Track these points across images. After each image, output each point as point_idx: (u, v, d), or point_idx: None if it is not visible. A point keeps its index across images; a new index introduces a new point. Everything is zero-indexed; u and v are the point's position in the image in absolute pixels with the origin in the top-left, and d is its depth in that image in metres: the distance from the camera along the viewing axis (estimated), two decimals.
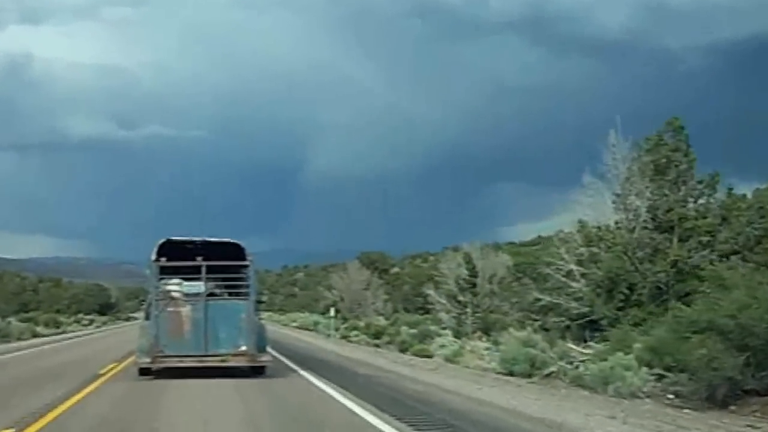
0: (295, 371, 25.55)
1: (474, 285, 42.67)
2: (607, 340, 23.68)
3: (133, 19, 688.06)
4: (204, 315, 22.16)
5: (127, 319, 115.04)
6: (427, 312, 71.31)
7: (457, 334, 41.89)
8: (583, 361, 21.61)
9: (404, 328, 43.59)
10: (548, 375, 21.85)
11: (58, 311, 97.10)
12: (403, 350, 37.77)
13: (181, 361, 21.99)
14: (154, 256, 22.36)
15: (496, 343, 36.01)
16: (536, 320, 33.28)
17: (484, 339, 40.22)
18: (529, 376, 22.25)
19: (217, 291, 23.80)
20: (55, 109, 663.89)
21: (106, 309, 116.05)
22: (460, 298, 43.31)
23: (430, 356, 34.55)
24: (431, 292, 53.77)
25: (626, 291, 28.39)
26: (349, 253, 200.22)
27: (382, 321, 60.32)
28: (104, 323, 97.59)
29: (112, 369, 26.09)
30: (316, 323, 69.45)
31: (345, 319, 67.19)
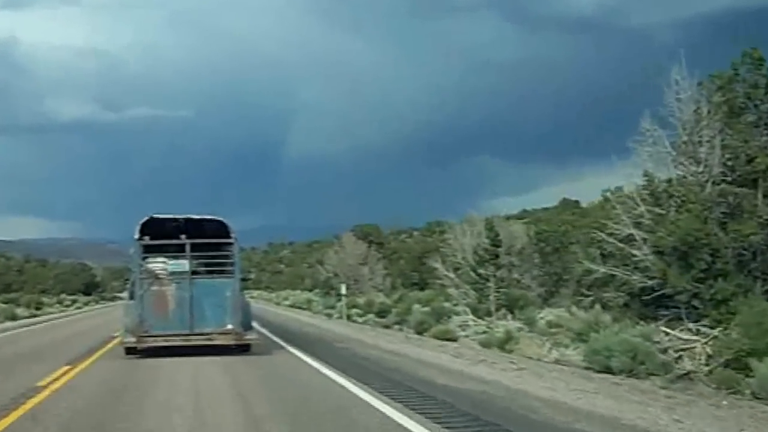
0: (325, 376, 17.87)
1: (496, 256, 36.35)
2: (720, 321, 17.33)
3: (115, 2, 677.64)
4: (189, 293, 21.77)
5: (113, 299, 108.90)
6: (424, 287, 65.70)
7: (476, 312, 35.98)
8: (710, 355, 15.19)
9: (416, 306, 37.57)
10: (683, 376, 15.41)
11: (43, 292, 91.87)
12: (420, 332, 31.75)
13: (167, 340, 21.54)
14: (137, 235, 21.82)
15: (529, 322, 30.15)
16: (587, 296, 27.11)
17: (509, 317, 34.27)
18: (630, 372, 15.99)
19: (202, 269, 22.79)
20: (41, 92, 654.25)
21: (90, 289, 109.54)
22: (481, 270, 36.77)
23: (453, 339, 28.59)
24: (438, 265, 47.82)
25: (707, 258, 22.07)
26: (332, 229, 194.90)
27: (382, 297, 54.36)
28: (86, 303, 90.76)
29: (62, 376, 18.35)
30: (309, 301, 63.27)
31: (340, 297, 61.10)
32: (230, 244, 22.37)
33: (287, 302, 70.61)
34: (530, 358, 20.78)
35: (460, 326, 33.21)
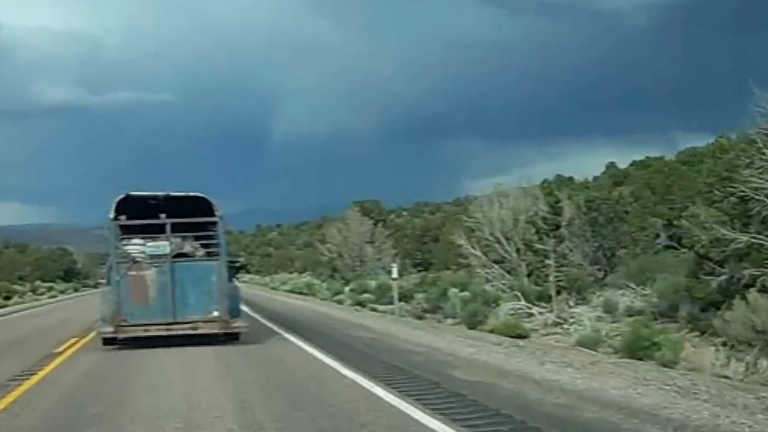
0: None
1: (557, 227, 28.44)
2: None
3: None
4: (171, 278, 19.94)
5: (96, 286, 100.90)
6: (436, 267, 58.15)
7: (526, 297, 28.46)
8: None
9: (453, 291, 30.04)
10: None
11: (20, 278, 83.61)
12: (472, 326, 24.39)
13: (147, 330, 19.75)
14: (112, 214, 19.90)
15: (610, 309, 22.73)
16: (713, 274, 19.63)
17: (572, 302, 26.79)
18: None
19: (185, 251, 20.91)
20: (24, 75, 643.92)
21: (71, 275, 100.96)
22: (537, 245, 29.03)
23: (522, 336, 21.30)
24: (462, 242, 40.31)
25: None
26: (319, 210, 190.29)
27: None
28: (63, 291, 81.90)
29: None
30: (309, 286, 55.39)
31: (346, 280, 53.38)
32: (214, 222, 20.50)
33: (285, 287, 62.28)
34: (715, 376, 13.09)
35: (513, 315, 25.85)
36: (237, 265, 44.14)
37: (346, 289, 45.27)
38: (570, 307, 25.90)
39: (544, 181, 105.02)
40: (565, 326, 23.02)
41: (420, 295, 36.47)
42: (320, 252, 59.75)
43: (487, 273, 38.68)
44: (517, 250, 39.25)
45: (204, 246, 21.06)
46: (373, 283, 44.89)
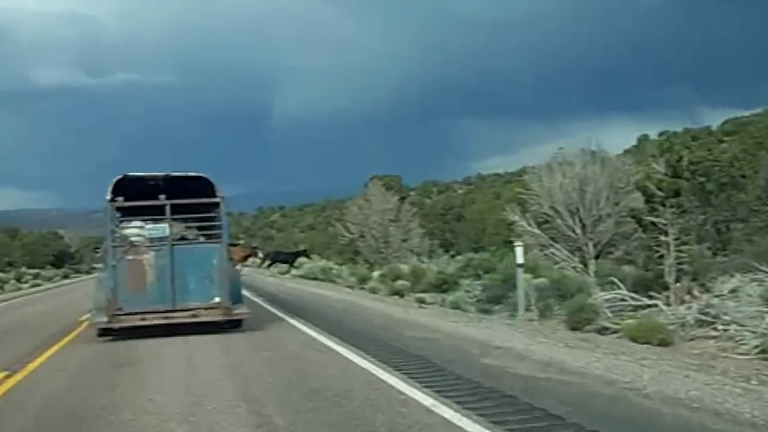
0: None
1: (677, 193, 21.22)
2: None
3: None
4: (170, 262, 18.90)
5: (88, 272, 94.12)
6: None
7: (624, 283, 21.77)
8: None
9: (526, 276, 23.47)
10: None
11: (9, 264, 77.26)
12: (575, 328, 17.86)
13: (144, 319, 18.65)
14: (109, 196, 18.91)
15: None
16: None
17: (698, 292, 20.03)
18: None
19: (185, 234, 20.55)
20: (23, 58, 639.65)
21: (63, 260, 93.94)
22: (654, 218, 21.97)
23: (666, 343, 15.30)
24: (516, 217, 33.92)
25: None
26: (323, 192, 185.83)
27: (430, 265, 40.25)
28: (50, 279, 74.19)
29: None
30: (325, 270, 48.61)
31: (369, 264, 46.76)
32: (216, 204, 19.66)
33: (296, 271, 55.24)
34: None
35: (611, 308, 19.35)
36: (295, 251, 44.79)
37: (375, 274, 38.69)
38: (694, 297, 19.28)
39: (662, 133, 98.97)
40: (720, 327, 16.42)
41: (466, 282, 30.10)
42: (339, 233, 52.77)
43: (546, 254, 32.63)
44: (583, 227, 33.08)
45: (205, 228, 20.37)
46: (405, 268, 38.39)
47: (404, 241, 48.26)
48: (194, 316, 19.01)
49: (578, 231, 33.07)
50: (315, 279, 47.07)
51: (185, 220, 20.47)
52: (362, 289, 36.31)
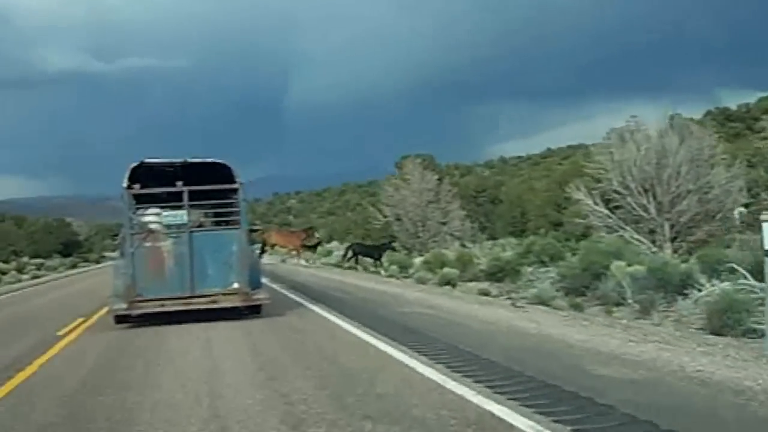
0: None
1: None
2: None
3: None
4: (189, 249, 19.06)
5: (98, 261, 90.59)
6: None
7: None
8: None
9: (618, 264, 20.01)
10: None
11: (15, 254, 74.29)
12: (719, 331, 14.20)
13: (163, 305, 18.78)
14: (125, 183, 18.90)
15: None
16: None
17: None
18: None
19: (204, 220, 20.98)
20: (28, 43, 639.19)
21: (71, 249, 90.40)
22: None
23: None
24: (581, 195, 30.61)
25: None
26: (340, 176, 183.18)
27: (474, 250, 36.89)
28: (55, 269, 69.26)
29: None
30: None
31: (408, 250, 43.31)
32: (235, 190, 19.48)
33: (324, 259, 51.19)
34: None
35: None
36: (381, 243, 41.97)
37: (416, 261, 35.31)
38: None
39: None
40: None
41: (528, 270, 26.77)
42: (371, 216, 49.10)
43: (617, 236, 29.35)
44: (658, 206, 29.69)
45: (224, 214, 20.55)
46: (450, 254, 35.01)
47: (443, 224, 44.75)
48: (213, 302, 19.09)
49: (652, 210, 29.79)
50: (339, 266, 43.49)
51: (203, 207, 20.65)
52: (405, 278, 32.81)
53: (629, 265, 20.41)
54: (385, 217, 46.05)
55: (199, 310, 18.90)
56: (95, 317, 21.39)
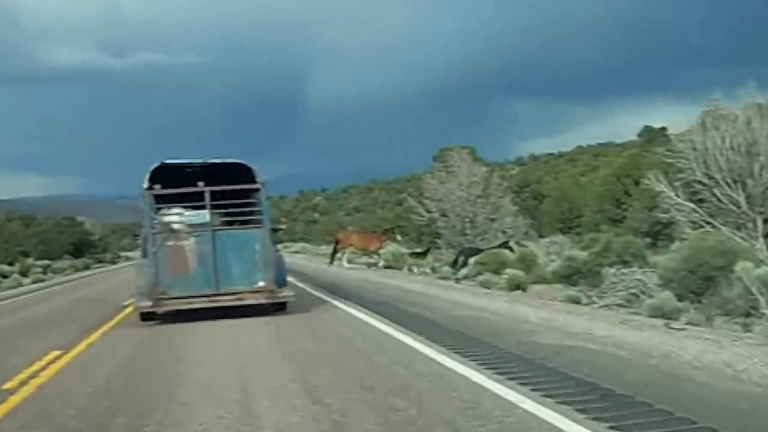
0: None
1: None
2: None
3: None
4: (212, 248, 19.73)
5: (113, 261, 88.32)
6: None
7: None
8: None
9: (745, 265, 17.20)
10: None
11: (24, 254, 71.64)
12: None
13: (190, 303, 19.48)
14: (146, 184, 19.81)
15: None
16: None
17: None
18: None
19: (226, 220, 20.97)
20: (38, 38, 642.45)
21: (83, 249, 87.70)
22: None
23: None
24: (662, 187, 27.95)
25: None
26: (366, 173, 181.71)
27: (533, 249, 34.14)
28: (63, 271, 65.13)
29: None
30: (396, 257, 42.09)
31: (455, 249, 40.43)
32: (256, 190, 20.28)
33: (362, 259, 48.12)
34: None
35: None
36: (496, 245, 35.55)
37: (470, 261, 32.54)
38: None
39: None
40: None
41: (611, 271, 23.89)
42: (414, 211, 45.91)
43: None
44: (748, 198, 26.96)
45: (246, 214, 20.78)
46: (510, 255, 32.25)
47: (492, 220, 41.87)
48: (239, 299, 19.71)
49: (743, 204, 27.04)
50: (390, 267, 40.64)
51: (225, 206, 20.56)
52: (458, 281, 30.06)
53: (757, 266, 17.59)
54: (429, 212, 43.16)
55: (225, 307, 19.53)
56: (81, 346, 15.80)
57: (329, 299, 23.77)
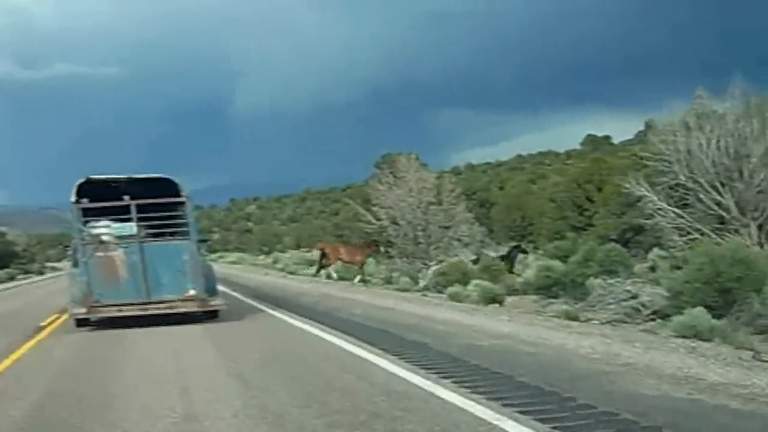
0: None
1: None
2: None
3: None
4: (140, 258, 20.20)
5: (41, 272, 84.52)
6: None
7: None
8: None
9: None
10: None
11: None
12: None
13: (121, 310, 20.11)
14: (73, 198, 19.99)
15: None
16: None
17: None
18: None
19: (154, 232, 21.20)
20: None
21: (6, 260, 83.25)
22: None
23: None
24: (644, 190, 25.94)
25: None
26: (300, 183, 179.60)
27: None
28: None
29: None
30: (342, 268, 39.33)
31: (408, 258, 37.94)
32: (182, 203, 20.68)
33: (308, 271, 44.95)
34: None
35: None
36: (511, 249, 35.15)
37: (428, 272, 30.24)
38: None
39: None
40: None
41: (596, 282, 21.62)
42: (364, 219, 42.93)
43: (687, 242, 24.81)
44: (737, 203, 25.02)
45: (172, 227, 20.86)
46: (467, 262, 30.08)
47: (446, 228, 39.37)
48: (170, 307, 20.19)
49: (733, 208, 25.01)
50: (341, 279, 37.80)
51: (152, 219, 20.69)
52: (424, 295, 27.47)
53: None
54: (379, 220, 40.47)
55: (157, 315, 20.01)
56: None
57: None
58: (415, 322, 18.73)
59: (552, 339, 14.40)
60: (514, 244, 38.00)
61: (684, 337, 13.60)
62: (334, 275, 37.54)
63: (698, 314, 14.27)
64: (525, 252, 31.41)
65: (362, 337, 15.47)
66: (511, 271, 30.86)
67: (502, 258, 32.84)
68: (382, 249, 38.80)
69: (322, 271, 39.24)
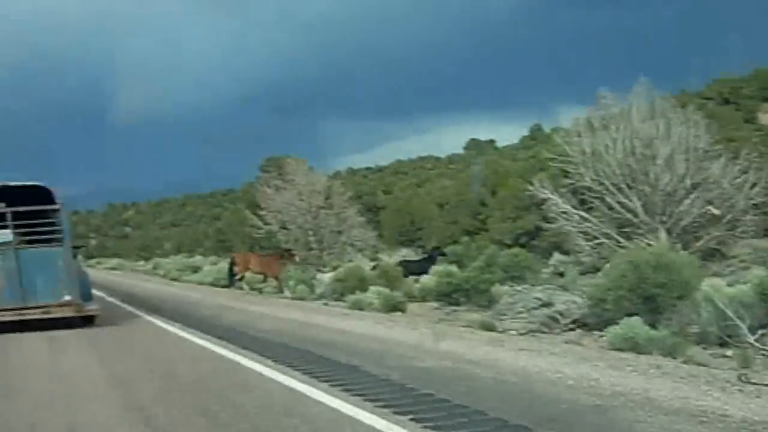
0: None
1: None
2: None
3: None
4: (16, 264, 20.78)
5: None
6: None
7: None
8: None
9: (715, 282, 14.39)
10: None
11: None
12: None
13: None
14: None
15: None
16: None
17: None
18: None
19: (29, 239, 21.71)
20: None
21: None
22: None
23: None
24: (547, 193, 25.23)
25: None
26: (179, 188, 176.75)
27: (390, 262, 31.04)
28: None
29: None
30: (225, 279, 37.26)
31: (300, 264, 36.45)
32: (56, 210, 21.38)
33: (192, 277, 43.11)
34: None
35: None
36: (428, 255, 33.93)
37: (325, 277, 29.01)
38: None
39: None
40: None
41: (504, 288, 20.73)
42: (251, 223, 41.28)
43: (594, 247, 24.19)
44: (644, 206, 24.42)
45: (48, 233, 21.23)
46: (366, 268, 29.01)
47: (339, 232, 38.24)
48: (46, 313, 20.47)
49: (640, 212, 24.32)
50: (212, 285, 36.25)
51: (27, 226, 21.14)
52: (325, 304, 26.08)
53: (729, 285, 14.55)
54: (267, 224, 39.01)
55: (32, 320, 20.26)
56: None
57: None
58: (333, 337, 17.24)
59: (502, 358, 12.97)
60: (434, 245, 36.73)
61: (620, 350, 12.58)
62: (245, 287, 35.39)
63: (635, 324, 13.14)
64: (445, 255, 30.01)
65: (283, 360, 13.56)
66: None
67: (424, 261, 31.60)
68: (297, 259, 36.26)
69: (238, 283, 36.65)
